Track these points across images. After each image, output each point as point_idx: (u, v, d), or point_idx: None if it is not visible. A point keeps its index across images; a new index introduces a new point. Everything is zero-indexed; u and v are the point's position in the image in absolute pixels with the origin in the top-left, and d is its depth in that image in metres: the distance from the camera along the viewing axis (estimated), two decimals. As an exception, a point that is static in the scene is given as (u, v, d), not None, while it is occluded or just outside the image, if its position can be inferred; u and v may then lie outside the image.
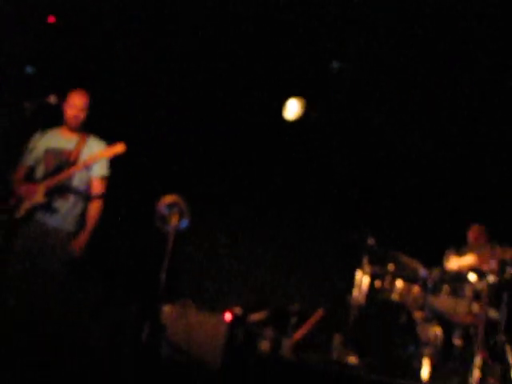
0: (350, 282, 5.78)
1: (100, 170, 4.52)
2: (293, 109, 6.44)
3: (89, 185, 4.53)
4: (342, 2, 5.13)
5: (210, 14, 5.62)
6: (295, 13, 5.32)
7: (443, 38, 5.37)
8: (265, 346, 5.51)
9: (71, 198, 4.45)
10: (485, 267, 5.30)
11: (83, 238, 4.45)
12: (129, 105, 5.86)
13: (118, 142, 4.40)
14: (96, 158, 4.45)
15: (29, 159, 4.52)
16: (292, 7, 5.31)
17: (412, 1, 4.97)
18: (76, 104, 4.45)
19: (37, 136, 4.51)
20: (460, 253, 5.74)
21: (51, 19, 5.24)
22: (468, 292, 5.24)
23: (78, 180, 4.49)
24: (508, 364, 4.96)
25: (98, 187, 4.52)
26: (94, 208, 4.50)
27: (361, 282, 5.73)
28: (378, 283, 5.71)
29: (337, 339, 5.61)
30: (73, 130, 4.53)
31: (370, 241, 5.65)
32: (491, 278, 5.10)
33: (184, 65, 6.11)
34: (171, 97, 6.17)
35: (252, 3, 5.50)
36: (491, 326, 5.07)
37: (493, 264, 5.32)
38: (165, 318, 5.21)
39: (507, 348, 5.02)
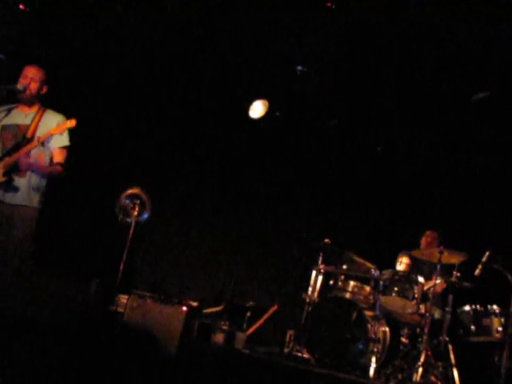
0: (305, 280, 5.86)
1: (59, 141, 4.51)
2: (258, 109, 6.60)
3: (48, 159, 4.49)
4: (306, 12, 5.27)
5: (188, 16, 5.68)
6: (266, 24, 5.52)
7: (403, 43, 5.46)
8: (219, 338, 5.54)
9: (29, 174, 4.43)
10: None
11: (38, 160, 4.37)
12: (96, 95, 5.89)
13: (70, 118, 4.40)
14: (49, 133, 4.42)
15: None
16: (262, 18, 5.49)
17: (373, 6, 5.08)
18: (27, 75, 4.44)
19: None
20: (411, 256, 5.91)
21: (22, 6, 5.25)
22: (416, 293, 5.36)
23: (35, 156, 4.46)
24: (450, 363, 5.16)
25: (58, 155, 4.50)
26: (55, 167, 4.46)
27: (315, 280, 5.82)
28: (331, 282, 5.83)
29: (290, 334, 5.71)
30: (29, 104, 4.50)
31: (326, 241, 5.75)
32: (438, 282, 5.27)
33: (157, 63, 6.16)
34: (140, 92, 6.24)
35: (227, 13, 5.60)
36: (436, 327, 5.25)
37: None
38: (122, 307, 5.20)
39: (450, 348, 5.21)
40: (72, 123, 4.35)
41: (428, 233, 6.09)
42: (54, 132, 4.37)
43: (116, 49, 5.89)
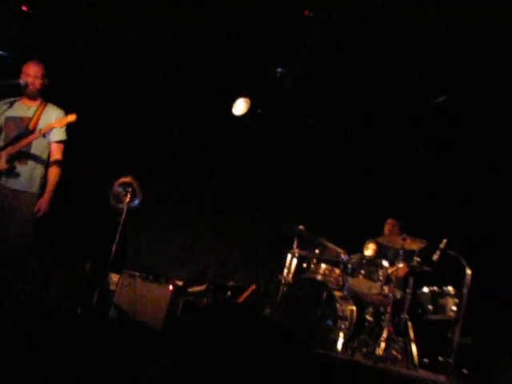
0: (281, 262, 6.07)
1: (58, 135, 4.64)
2: (240, 106, 6.74)
3: (47, 149, 4.64)
4: (282, 16, 5.43)
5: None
6: (249, 29, 5.69)
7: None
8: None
9: (30, 163, 4.56)
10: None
11: (44, 199, 4.55)
12: (94, 94, 6.06)
13: (71, 113, 4.55)
14: (51, 126, 4.52)
15: None
16: (245, 23, 5.65)
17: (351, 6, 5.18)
18: (30, 72, 4.55)
19: (0, 106, 4.62)
20: (377, 242, 6.15)
21: (24, 8, 5.37)
22: (381, 276, 5.61)
23: (35, 146, 4.58)
24: (409, 338, 5.42)
25: (56, 151, 4.65)
26: (53, 172, 4.62)
27: (290, 263, 6.04)
28: (304, 265, 6.03)
29: (266, 312, 5.93)
30: (31, 98, 4.61)
31: (300, 228, 5.99)
32: (401, 266, 5.56)
33: (151, 62, 6.29)
34: (131, 91, 6.39)
35: (213, 16, 5.73)
36: (398, 306, 5.51)
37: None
38: (114, 285, 5.44)
39: (409, 325, 5.47)
40: (72, 118, 4.51)
41: (389, 221, 6.30)
42: (55, 125, 4.53)
43: (112, 49, 6.01)
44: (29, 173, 4.55)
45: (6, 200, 4.50)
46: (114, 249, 5.31)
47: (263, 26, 5.66)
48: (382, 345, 5.23)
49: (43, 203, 4.54)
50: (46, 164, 4.66)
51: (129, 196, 5.51)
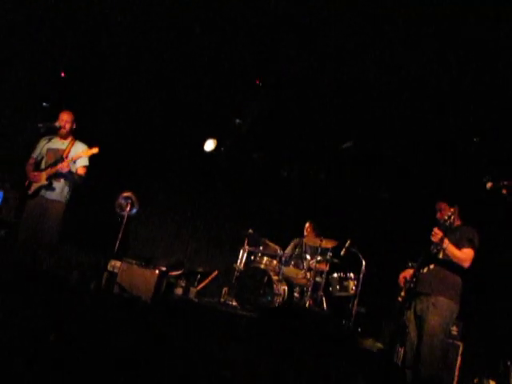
0: (236, 255, 6.91)
1: (83, 161, 5.33)
2: (209, 145, 7.61)
3: (75, 171, 5.29)
4: (239, 83, 6.24)
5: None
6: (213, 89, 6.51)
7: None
8: (179, 291, 6.44)
9: (63, 181, 5.21)
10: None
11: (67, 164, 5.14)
12: (107, 130, 6.88)
13: (94, 146, 5.24)
14: (79, 155, 5.20)
15: (37, 155, 5.32)
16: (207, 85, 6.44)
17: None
18: (63, 119, 5.26)
19: (42, 140, 5.35)
20: (300, 241, 6.96)
21: (63, 74, 6.22)
22: (305, 266, 6.58)
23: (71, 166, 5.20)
24: (323, 308, 6.39)
25: (82, 171, 5.33)
26: (79, 176, 5.31)
27: (242, 256, 6.86)
28: (252, 257, 6.89)
29: (225, 290, 6.72)
30: (64, 136, 5.31)
31: (250, 231, 6.88)
32: (319, 258, 6.47)
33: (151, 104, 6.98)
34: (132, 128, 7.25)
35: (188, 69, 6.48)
36: (316, 287, 6.44)
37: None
38: (117, 269, 6.03)
39: (324, 300, 6.45)
40: (96, 150, 5.32)
41: (307, 223, 6.97)
42: (82, 155, 5.32)
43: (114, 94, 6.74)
44: (61, 188, 5.26)
45: (43, 207, 5.21)
46: (117, 243, 6.01)
47: (225, 91, 6.51)
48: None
49: (68, 166, 5.16)
50: (74, 182, 5.38)
51: (129, 206, 6.19)
